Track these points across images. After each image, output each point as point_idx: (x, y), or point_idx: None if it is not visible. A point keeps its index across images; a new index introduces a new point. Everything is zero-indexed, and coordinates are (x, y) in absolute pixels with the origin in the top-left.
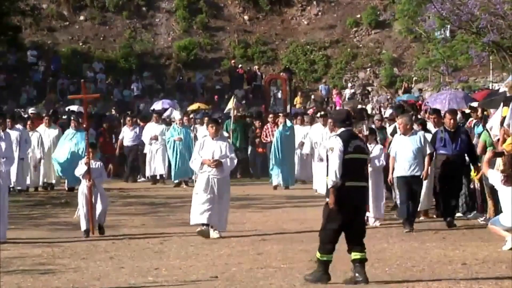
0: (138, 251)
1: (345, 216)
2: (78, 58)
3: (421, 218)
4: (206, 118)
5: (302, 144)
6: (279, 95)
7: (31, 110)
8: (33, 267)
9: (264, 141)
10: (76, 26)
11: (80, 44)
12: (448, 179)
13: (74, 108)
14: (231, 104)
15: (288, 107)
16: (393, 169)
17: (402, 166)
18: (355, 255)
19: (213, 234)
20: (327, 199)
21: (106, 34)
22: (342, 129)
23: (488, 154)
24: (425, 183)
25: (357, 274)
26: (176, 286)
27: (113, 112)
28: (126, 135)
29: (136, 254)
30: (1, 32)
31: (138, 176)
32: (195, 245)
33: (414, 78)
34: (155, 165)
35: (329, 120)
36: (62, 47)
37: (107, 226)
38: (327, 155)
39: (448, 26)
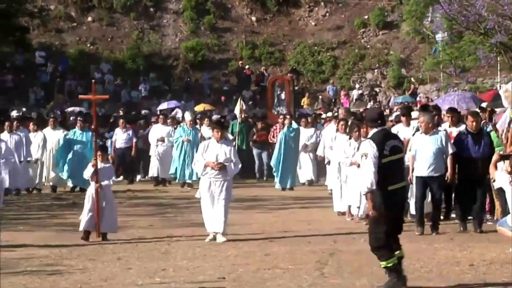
0: (145, 252)
1: (391, 219)
2: (85, 59)
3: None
4: (206, 119)
5: (305, 146)
6: (283, 96)
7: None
8: (41, 268)
9: (271, 142)
10: (83, 27)
11: (88, 45)
12: (471, 183)
13: (74, 109)
14: (238, 107)
15: (292, 108)
16: (413, 168)
17: (421, 166)
18: (396, 253)
19: (220, 238)
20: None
21: (113, 35)
22: (375, 129)
23: (495, 156)
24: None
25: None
26: (183, 287)
27: (121, 113)
28: (119, 137)
29: (143, 255)
30: (9, 33)
31: (135, 177)
32: (202, 246)
33: (418, 78)
34: (160, 167)
35: (340, 122)
36: (69, 48)
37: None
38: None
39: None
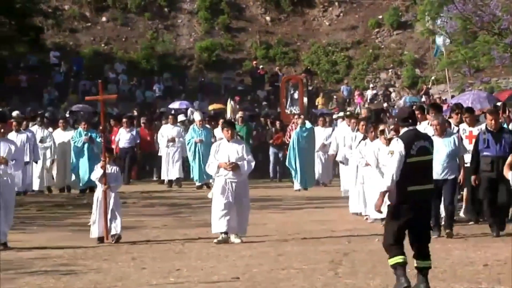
0: (159, 252)
1: (405, 219)
2: (100, 59)
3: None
4: (220, 120)
5: (323, 146)
6: (296, 95)
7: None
8: (55, 268)
9: (287, 142)
10: (98, 27)
11: (102, 45)
12: (493, 182)
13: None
14: (229, 108)
15: (306, 108)
16: None
17: (435, 169)
18: (418, 263)
19: (234, 239)
20: (388, 202)
21: (128, 35)
22: (405, 129)
23: (510, 158)
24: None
25: (420, 284)
26: (197, 287)
27: (135, 113)
28: (122, 137)
29: (157, 255)
30: (23, 33)
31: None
32: (216, 246)
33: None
34: (171, 168)
35: (352, 120)
36: (84, 48)
37: (129, 227)
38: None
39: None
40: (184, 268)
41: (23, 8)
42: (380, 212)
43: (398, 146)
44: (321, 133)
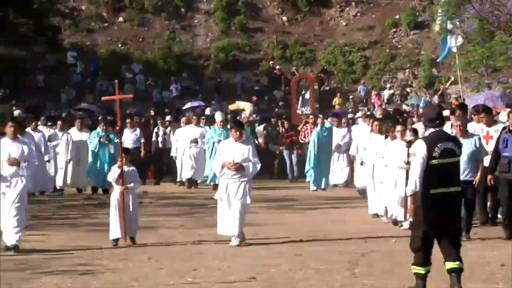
0: (176, 252)
1: (431, 224)
2: (116, 59)
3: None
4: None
5: (338, 147)
6: (307, 95)
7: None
8: (72, 267)
9: (302, 142)
10: (115, 27)
11: (119, 45)
12: (510, 183)
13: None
14: (248, 110)
15: (317, 107)
16: None
17: None
18: (449, 265)
19: (233, 241)
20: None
21: (145, 35)
22: (431, 130)
23: None
24: None
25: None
26: (214, 287)
27: (152, 113)
28: (127, 138)
29: (174, 255)
30: (41, 33)
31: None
32: (233, 246)
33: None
34: (194, 169)
35: (372, 121)
36: (101, 48)
37: (146, 227)
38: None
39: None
40: (201, 268)
41: (41, 8)
42: (414, 216)
43: (420, 148)
44: (336, 133)
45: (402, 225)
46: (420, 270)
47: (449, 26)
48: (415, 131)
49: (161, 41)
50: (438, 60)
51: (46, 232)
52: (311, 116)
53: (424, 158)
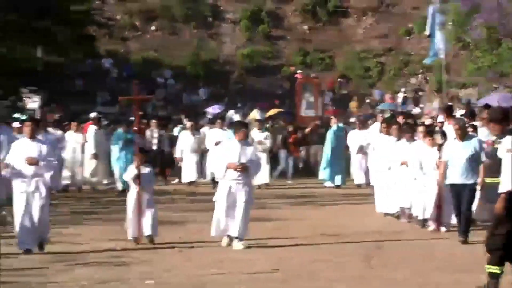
0: (203, 245)
1: None
2: (149, 65)
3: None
4: (257, 123)
5: (361, 148)
6: (312, 98)
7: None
8: (107, 259)
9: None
10: (147, 35)
11: (151, 52)
12: None
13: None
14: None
15: (321, 110)
16: (443, 174)
17: (454, 173)
18: None
19: (237, 245)
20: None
21: (175, 43)
22: (507, 127)
23: None
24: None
25: None
26: (239, 278)
27: (182, 115)
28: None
29: (201, 248)
30: (79, 41)
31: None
32: (257, 239)
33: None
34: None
35: (381, 123)
36: (134, 55)
37: (177, 222)
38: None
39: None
40: (226, 260)
41: (79, 19)
42: (500, 214)
43: None
44: (358, 136)
45: (428, 226)
46: (496, 269)
47: (438, 31)
48: (443, 134)
49: (190, 48)
50: (424, 61)
51: (82, 226)
52: (332, 117)
53: None
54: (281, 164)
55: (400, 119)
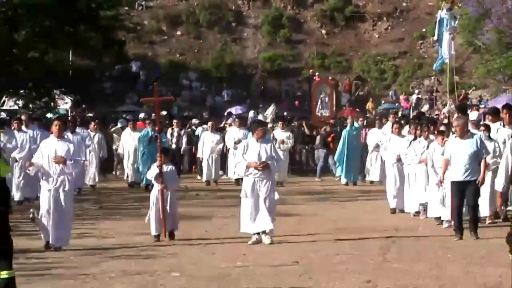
0: (227, 239)
1: None
2: (175, 68)
3: (488, 222)
4: (280, 122)
5: (377, 146)
6: (326, 99)
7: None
8: (136, 252)
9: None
10: (173, 40)
11: (177, 56)
12: None
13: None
14: (270, 111)
15: (335, 110)
16: (445, 171)
17: (457, 170)
18: None
19: (265, 239)
20: None
21: (200, 47)
22: None
23: None
24: (488, 188)
25: None
26: (261, 270)
27: (205, 115)
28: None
29: (226, 242)
30: (109, 46)
31: None
32: (278, 233)
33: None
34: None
35: (392, 123)
36: (161, 59)
37: (203, 217)
38: None
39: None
40: (249, 253)
41: (108, 24)
42: None
43: None
44: (376, 134)
45: (444, 222)
46: None
47: (446, 37)
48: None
49: (214, 52)
50: (434, 68)
51: (112, 221)
52: (348, 116)
53: None
54: (320, 163)
55: (391, 118)
